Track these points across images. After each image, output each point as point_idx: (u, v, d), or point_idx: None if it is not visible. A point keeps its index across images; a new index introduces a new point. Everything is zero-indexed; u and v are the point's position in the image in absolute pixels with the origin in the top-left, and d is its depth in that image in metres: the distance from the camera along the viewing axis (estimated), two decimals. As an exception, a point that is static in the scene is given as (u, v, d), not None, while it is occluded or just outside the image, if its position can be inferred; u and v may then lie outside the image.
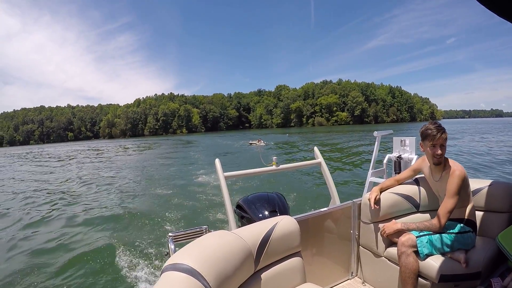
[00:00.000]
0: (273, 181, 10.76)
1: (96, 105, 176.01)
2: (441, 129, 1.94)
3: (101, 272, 4.82)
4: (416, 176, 2.36)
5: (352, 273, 2.46)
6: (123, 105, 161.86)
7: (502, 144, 22.17)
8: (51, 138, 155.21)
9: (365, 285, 2.37)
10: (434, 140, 1.94)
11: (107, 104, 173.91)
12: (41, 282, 4.69)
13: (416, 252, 1.91)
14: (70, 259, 5.43)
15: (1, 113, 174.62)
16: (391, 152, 3.45)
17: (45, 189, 13.34)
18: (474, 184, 2.24)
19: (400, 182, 2.34)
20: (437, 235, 1.94)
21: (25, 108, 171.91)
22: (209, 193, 9.69)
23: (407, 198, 2.26)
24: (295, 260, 1.63)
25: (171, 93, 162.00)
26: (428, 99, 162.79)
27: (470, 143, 23.76)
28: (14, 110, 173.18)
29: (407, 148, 3.32)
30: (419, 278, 1.89)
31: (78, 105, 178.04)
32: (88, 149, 51.14)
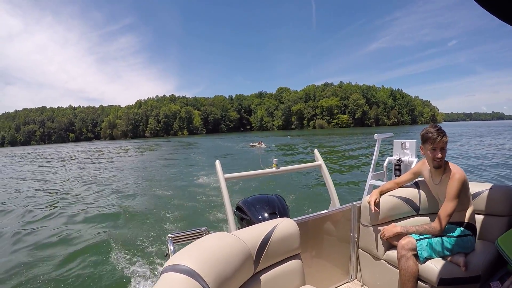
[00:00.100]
0: (273, 183, 10.75)
1: (97, 106, 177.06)
2: (442, 133, 1.94)
3: (101, 272, 4.81)
4: (416, 179, 2.36)
5: (351, 276, 2.46)
6: (124, 107, 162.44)
7: (501, 147, 22.15)
8: (52, 139, 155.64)
9: None
10: (435, 144, 1.94)
11: (109, 105, 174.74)
12: (40, 281, 4.69)
13: (416, 256, 1.91)
14: (70, 258, 5.44)
15: (3, 113, 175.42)
16: (392, 155, 3.46)
17: (47, 189, 13.37)
18: (474, 187, 2.24)
19: (400, 185, 2.34)
20: (437, 238, 1.94)
21: (27, 108, 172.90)
22: (209, 194, 9.69)
23: (407, 201, 2.26)
24: (294, 263, 1.63)
25: (172, 94, 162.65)
26: (429, 101, 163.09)
27: (468, 146, 23.77)
28: (15, 110, 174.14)
29: (408, 151, 3.32)
30: (418, 282, 1.89)
31: (79, 106, 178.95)
32: (89, 150, 51.21)
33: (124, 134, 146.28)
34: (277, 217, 2.00)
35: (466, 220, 2.00)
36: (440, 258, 1.90)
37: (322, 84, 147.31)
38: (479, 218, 2.19)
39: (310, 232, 2.18)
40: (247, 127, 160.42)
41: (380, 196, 2.21)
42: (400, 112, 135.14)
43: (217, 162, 2.43)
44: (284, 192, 9.00)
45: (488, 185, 2.25)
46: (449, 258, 1.90)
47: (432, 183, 2.14)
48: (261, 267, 1.46)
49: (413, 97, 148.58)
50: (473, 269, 1.82)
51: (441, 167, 2.01)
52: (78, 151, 51.49)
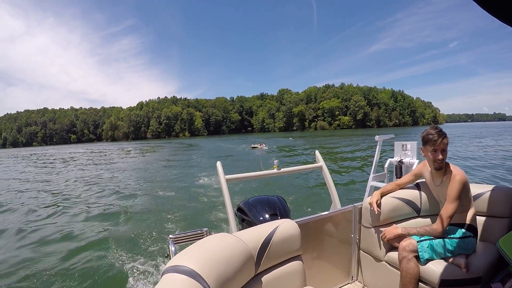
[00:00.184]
0: (274, 184, 10.74)
1: (99, 107, 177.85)
2: (442, 134, 1.95)
3: (101, 272, 4.80)
4: (417, 181, 2.36)
5: (352, 277, 2.46)
6: (126, 108, 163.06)
7: (500, 148, 22.03)
8: (54, 140, 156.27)
9: None
10: (435, 145, 1.95)
11: (110, 107, 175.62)
12: (45, 276, 4.73)
13: (417, 257, 1.90)
14: (73, 255, 5.47)
15: (4, 114, 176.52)
16: (393, 156, 3.46)
17: (49, 190, 13.42)
18: (475, 189, 2.24)
19: (401, 187, 2.34)
20: (438, 240, 1.93)
21: (28, 110, 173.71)
22: (210, 195, 9.69)
23: (408, 202, 2.26)
24: (295, 264, 1.63)
25: (173, 96, 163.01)
26: (430, 103, 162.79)
27: (467, 147, 23.66)
28: (17, 111, 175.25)
29: (409, 153, 3.32)
30: (419, 283, 1.89)
31: (81, 108, 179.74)
32: (91, 152, 51.32)
33: (126, 136, 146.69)
34: (278, 218, 2.01)
35: (467, 222, 2.00)
36: (441, 260, 1.90)
37: (323, 86, 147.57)
38: (480, 219, 2.18)
39: (311, 233, 2.18)
40: (249, 128, 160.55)
41: (381, 198, 2.21)
42: (401, 113, 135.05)
43: (218, 163, 2.43)
44: (285, 193, 8.98)
45: (489, 187, 2.24)
46: (450, 260, 1.89)
47: (433, 184, 2.14)
48: (262, 268, 1.47)
49: (415, 99, 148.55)
50: (474, 271, 1.82)
51: (442, 168, 2.02)
52: (80, 152, 51.59)
